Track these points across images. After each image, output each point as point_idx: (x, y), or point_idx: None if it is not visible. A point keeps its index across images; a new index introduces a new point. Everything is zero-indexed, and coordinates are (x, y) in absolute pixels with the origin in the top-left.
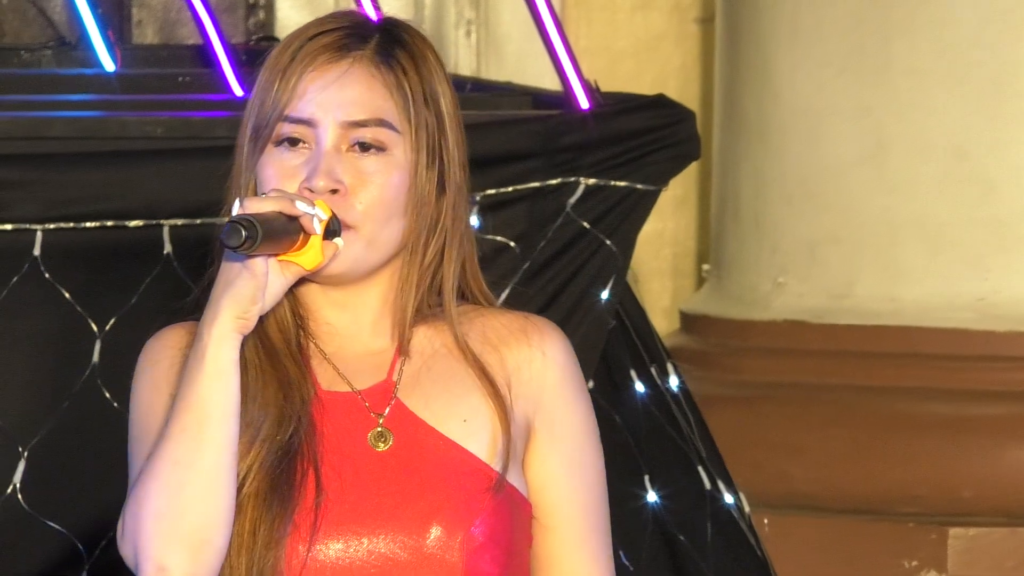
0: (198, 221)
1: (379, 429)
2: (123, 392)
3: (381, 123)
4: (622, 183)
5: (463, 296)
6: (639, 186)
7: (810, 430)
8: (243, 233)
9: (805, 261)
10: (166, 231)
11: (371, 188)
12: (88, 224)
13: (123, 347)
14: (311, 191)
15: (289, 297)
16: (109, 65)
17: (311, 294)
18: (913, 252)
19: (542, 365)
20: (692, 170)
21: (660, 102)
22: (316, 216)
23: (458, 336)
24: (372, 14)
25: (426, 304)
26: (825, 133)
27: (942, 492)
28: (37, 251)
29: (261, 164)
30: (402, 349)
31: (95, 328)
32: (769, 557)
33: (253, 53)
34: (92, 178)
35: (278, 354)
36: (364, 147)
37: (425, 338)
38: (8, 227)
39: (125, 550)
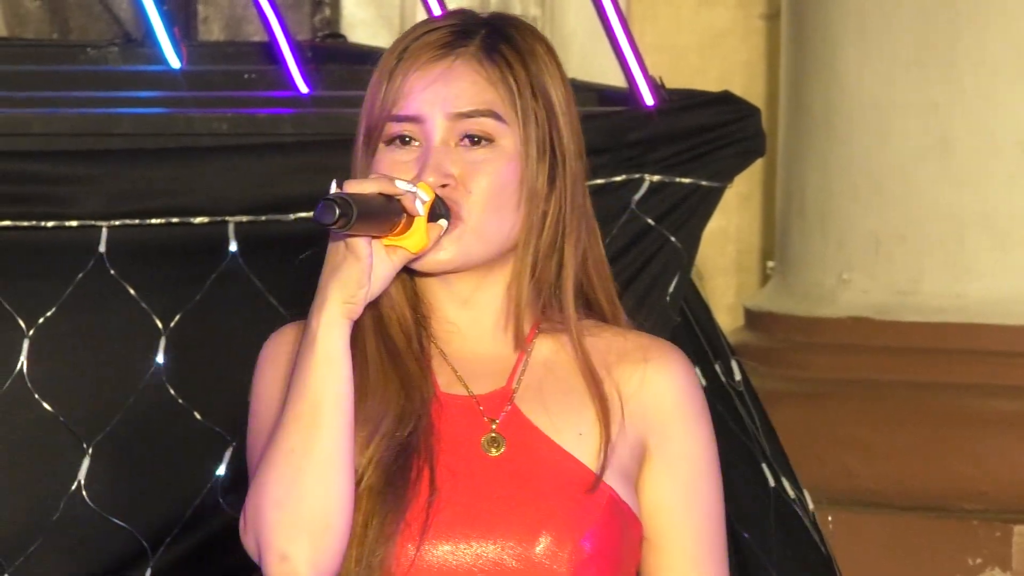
0: (263, 218)
1: (492, 434)
2: (188, 388)
3: (487, 113)
4: (687, 180)
5: (589, 306)
6: (704, 183)
7: (875, 427)
8: (336, 211)
9: (871, 257)
10: (231, 228)
11: (480, 178)
12: (153, 221)
13: (188, 344)
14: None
15: (411, 295)
16: (175, 62)
17: (433, 291)
18: (979, 248)
19: (660, 387)
20: (757, 167)
21: (725, 98)
22: (418, 196)
23: (578, 349)
24: (437, 10)
25: (554, 311)
26: (892, 128)
27: (1007, 489)
28: (103, 247)
29: (373, 165)
30: (523, 356)
31: (160, 325)
32: (833, 554)
33: (319, 50)
34: (157, 175)
35: (400, 352)
36: (473, 140)
37: (549, 349)
38: (74, 223)
39: (247, 542)
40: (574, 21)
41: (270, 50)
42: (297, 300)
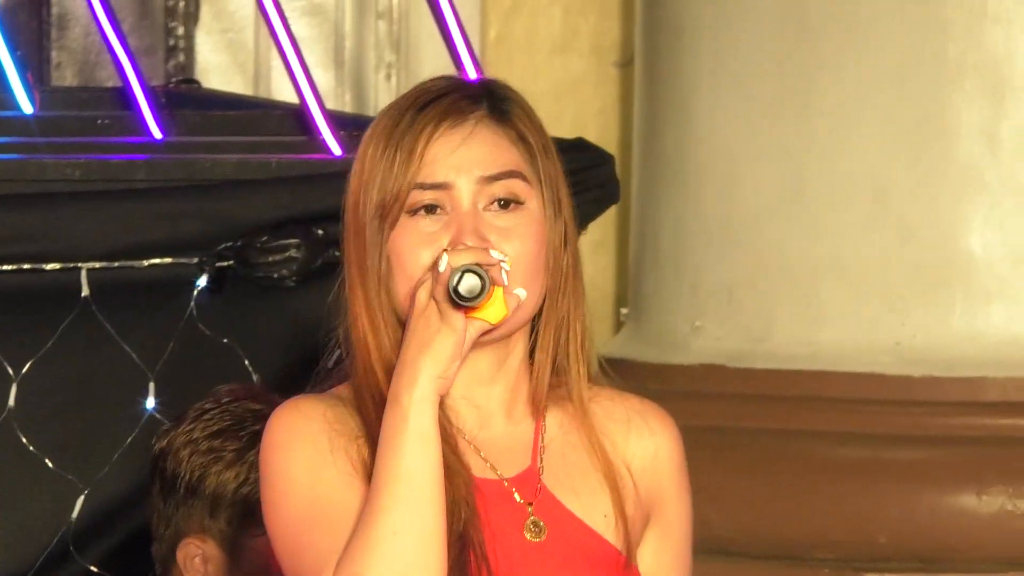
0: (116, 264)
1: (532, 519)
2: (38, 434)
3: (513, 174)
4: None
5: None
6: None
7: (727, 474)
8: (482, 283)
9: (723, 304)
10: (84, 274)
11: (516, 243)
12: (5, 267)
13: (40, 390)
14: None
15: None
16: (28, 107)
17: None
18: (831, 295)
19: (664, 459)
20: (611, 214)
21: (580, 145)
22: (503, 265)
23: (587, 420)
24: (292, 58)
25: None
26: (745, 175)
27: (858, 537)
28: None
29: (396, 237)
30: (539, 430)
31: (11, 371)
32: None
33: (173, 95)
34: (9, 220)
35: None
36: (502, 204)
37: (557, 421)
38: None
39: None
40: (430, 68)
41: (124, 96)
42: (151, 346)
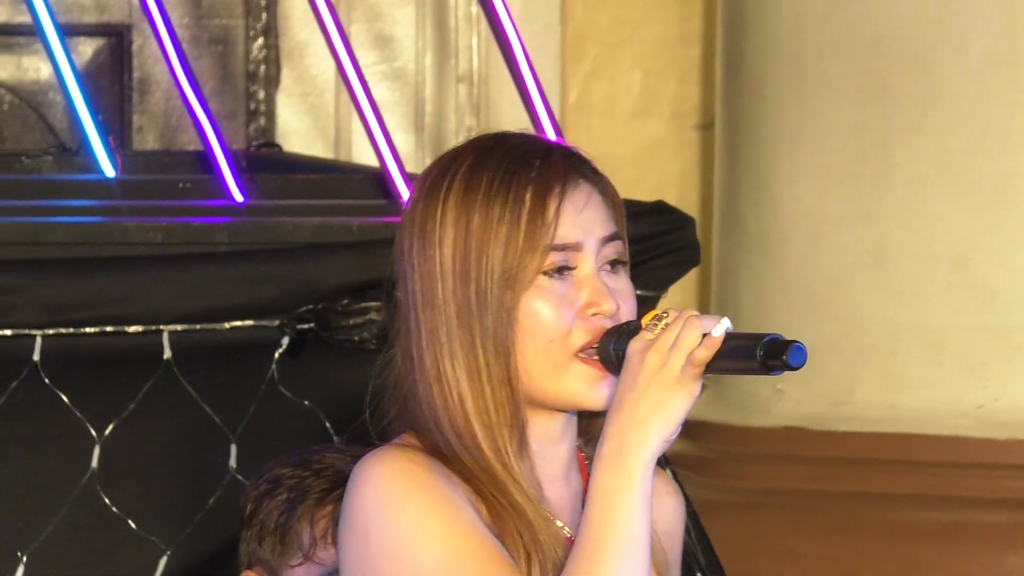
0: (198, 327)
1: None
2: (121, 495)
3: (621, 236)
4: None
5: None
6: (638, 292)
7: (809, 537)
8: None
9: (805, 368)
10: (166, 337)
11: (631, 304)
12: (88, 329)
13: (122, 452)
14: (597, 315)
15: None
16: (109, 171)
17: (531, 431)
18: (913, 359)
19: (679, 520)
20: (691, 277)
21: (660, 208)
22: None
23: None
24: (374, 123)
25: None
26: (826, 240)
27: None
28: (37, 356)
29: (530, 299)
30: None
31: (94, 433)
32: None
33: (253, 159)
34: (92, 283)
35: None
36: (612, 263)
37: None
38: (8, 332)
39: None
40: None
41: (205, 159)
42: (232, 408)
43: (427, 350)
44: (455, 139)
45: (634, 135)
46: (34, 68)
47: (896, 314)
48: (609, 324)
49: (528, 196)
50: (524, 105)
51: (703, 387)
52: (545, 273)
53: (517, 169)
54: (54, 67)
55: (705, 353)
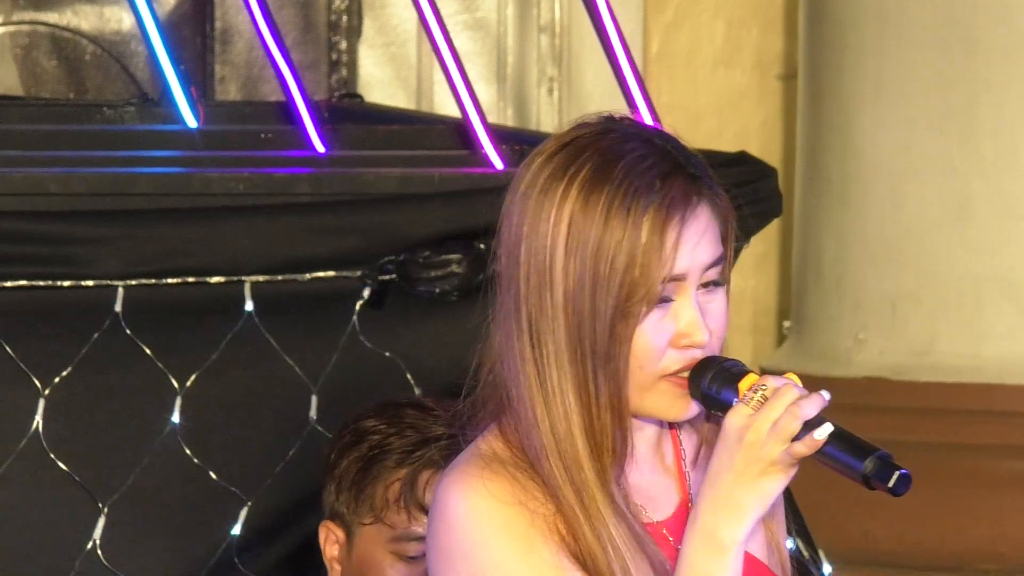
0: (280, 277)
1: None
2: (203, 448)
3: (722, 258)
4: None
5: None
6: None
7: None
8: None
9: (887, 318)
10: (247, 287)
11: (722, 324)
12: (169, 280)
13: (203, 403)
14: (689, 347)
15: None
16: (192, 121)
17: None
18: (995, 310)
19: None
20: (773, 227)
21: (742, 159)
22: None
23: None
24: (462, 88)
25: None
26: (908, 192)
27: (1021, 549)
28: (118, 307)
29: (639, 331)
30: (683, 463)
31: (176, 384)
32: None
33: (335, 110)
34: (174, 234)
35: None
36: (708, 284)
37: (691, 447)
38: (90, 283)
39: None
40: (591, 82)
41: (287, 110)
42: (313, 360)
43: (532, 350)
44: (537, 90)
45: (716, 85)
46: (116, 18)
47: (978, 266)
48: (700, 354)
49: (646, 224)
50: (606, 55)
51: (785, 337)
52: (651, 304)
53: (639, 191)
54: (136, 17)
55: (805, 451)
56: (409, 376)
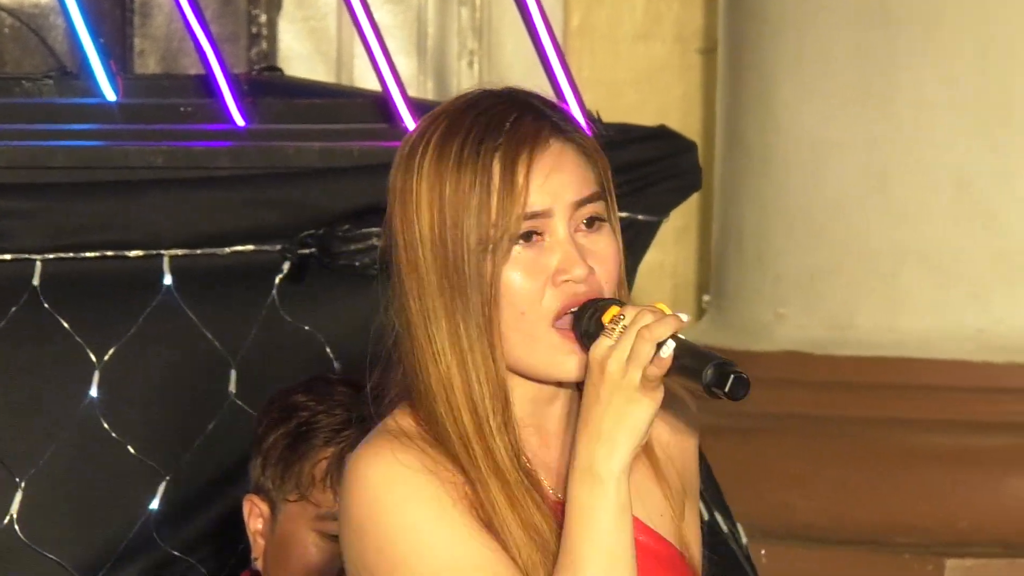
0: (199, 251)
1: None
2: (121, 421)
3: (596, 196)
4: (623, 214)
5: None
6: (640, 217)
7: (810, 461)
8: (747, 384)
9: (807, 292)
10: (166, 261)
11: (608, 264)
12: (88, 254)
13: (122, 377)
14: (568, 281)
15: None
16: (110, 95)
17: (522, 395)
18: (915, 283)
19: (694, 453)
20: (693, 201)
21: (662, 133)
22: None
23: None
24: (377, 50)
25: None
26: (828, 164)
27: (940, 523)
28: (36, 281)
29: (507, 269)
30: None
31: (94, 358)
32: None
33: (255, 83)
34: (93, 208)
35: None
36: (589, 223)
37: None
38: (7, 257)
39: None
40: (512, 54)
41: (206, 83)
42: (233, 333)
43: (416, 316)
44: (457, 63)
45: (637, 59)
46: None
47: (898, 238)
48: (582, 289)
49: (496, 165)
50: (526, 28)
51: (704, 311)
52: (516, 242)
53: (486, 135)
54: None
55: (656, 371)
56: (329, 350)
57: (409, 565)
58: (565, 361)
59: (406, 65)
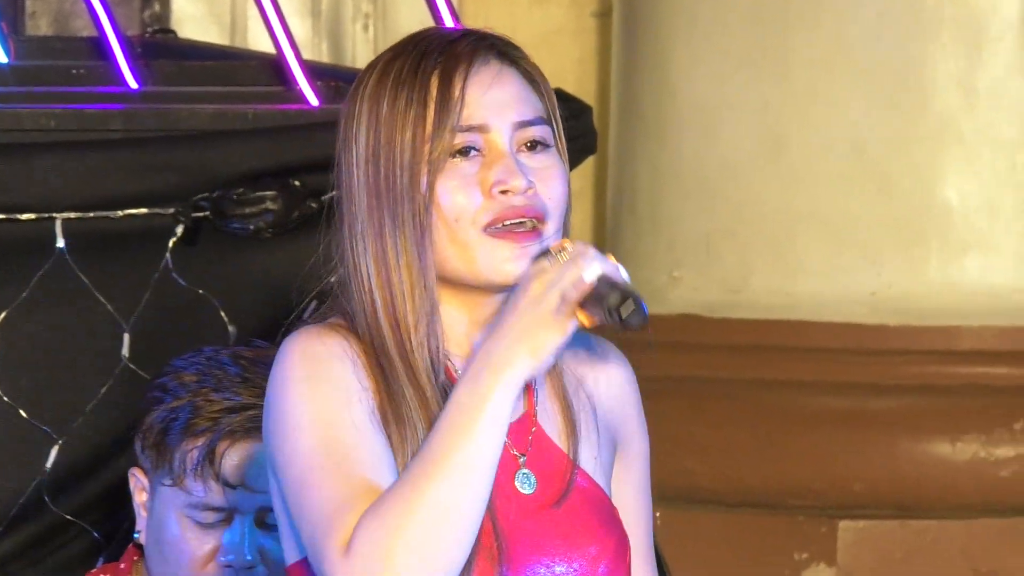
0: (92, 215)
1: (523, 471)
2: (12, 384)
3: (541, 120)
4: None
5: None
6: None
7: (705, 424)
8: (646, 317)
9: (701, 255)
10: (59, 225)
11: (553, 184)
12: None
13: (14, 341)
14: (505, 192)
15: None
16: (2, 57)
17: (452, 317)
18: (808, 247)
19: (625, 392)
20: (588, 164)
21: (558, 96)
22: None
23: (557, 364)
24: (272, 14)
25: None
26: (722, 128)
27: (834, 486)
28: None
29: (441, 180)
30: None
31: None
32: (662, 551)
33: (148, 45)
34: None
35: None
36: (532, 146)
37: None
38: None
39: (351, 566)
40: (407, 18)
41: (99, 45)
42: (126, 297)
43: (347, 239)
44: (352, 26)
45: (533, 22)
46: None
47: (792, 202)
48: (519, 201)
49: (434, 79)
50: None
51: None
52: (453, 155)
53: (426, 55)
54: None
55: (574, 294)
56: (223, 314)
57: (287, 438)
58: (504, 263)
59: (300, 28)
